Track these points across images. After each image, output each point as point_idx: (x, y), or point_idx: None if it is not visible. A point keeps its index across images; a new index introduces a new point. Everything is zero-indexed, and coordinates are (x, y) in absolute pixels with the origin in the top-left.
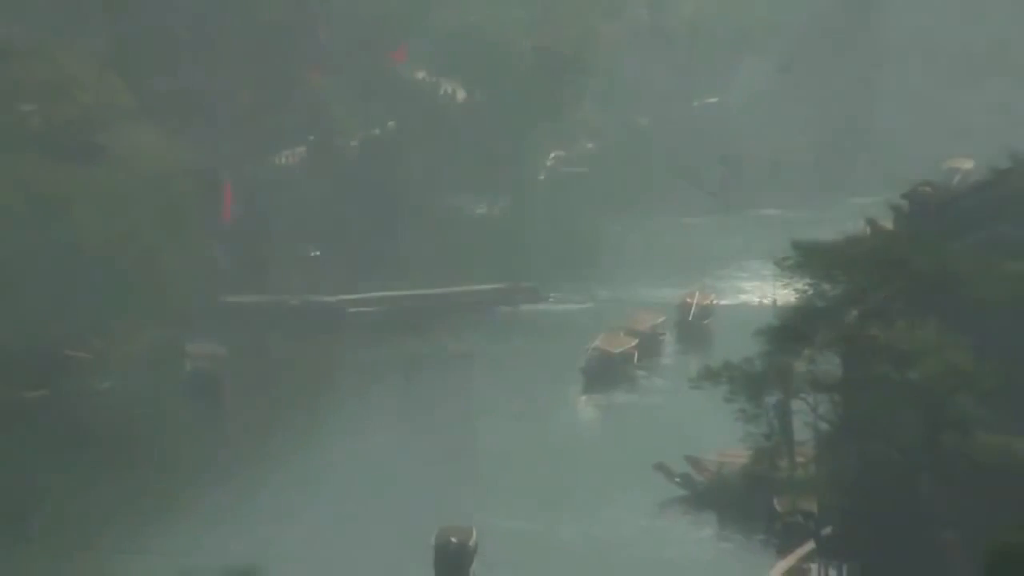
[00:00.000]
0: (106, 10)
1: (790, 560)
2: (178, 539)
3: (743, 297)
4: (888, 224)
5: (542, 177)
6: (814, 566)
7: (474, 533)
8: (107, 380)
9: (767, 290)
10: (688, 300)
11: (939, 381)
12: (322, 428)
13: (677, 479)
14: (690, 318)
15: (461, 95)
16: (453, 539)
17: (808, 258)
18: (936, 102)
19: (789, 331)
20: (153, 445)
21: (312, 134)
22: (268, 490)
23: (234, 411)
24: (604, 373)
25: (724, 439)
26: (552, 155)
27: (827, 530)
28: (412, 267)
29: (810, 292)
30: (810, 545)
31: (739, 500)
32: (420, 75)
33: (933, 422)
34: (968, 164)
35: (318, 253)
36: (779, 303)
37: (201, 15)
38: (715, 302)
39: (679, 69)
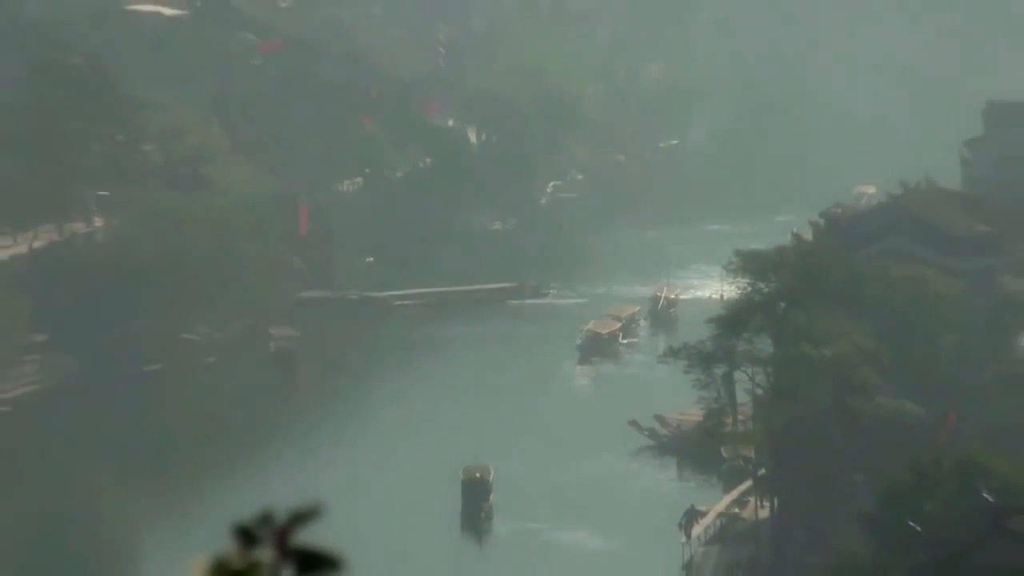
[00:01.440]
0: (208, 74)
1: (733, 494)
2: (273, 462)
3: (698, 293)
4: (808, 237)
5: (543, 201)
6: (752, 499)
7: (492, 471)
8: (212, 356)
9: (716, 287)
10: (658, 294)
11: (846, 358)
12: (374, 389)
13: (646, 432)
14: (659, 308)
15: (480, 138)
16: (477, 475)
17: (747, 263)
18: (849, 141)
19: (732, 319)
20: (247, 403)
21: (367, 168)
22: (334, 435)
23: (307, 379)
24: (594, 349)
25: (683, 401)
26: (550, 184)
27: (762, 471)
28: (442, 269)
29: (749, 289)
30: (749, 483)
31: (694, 449)
32: (449, 123)
33: (842, 389)
34: (872, 189)
35: (371, 259)
36: (725, 297)
37: (282, 76)
38: (678, 296)
39: (648, 116)
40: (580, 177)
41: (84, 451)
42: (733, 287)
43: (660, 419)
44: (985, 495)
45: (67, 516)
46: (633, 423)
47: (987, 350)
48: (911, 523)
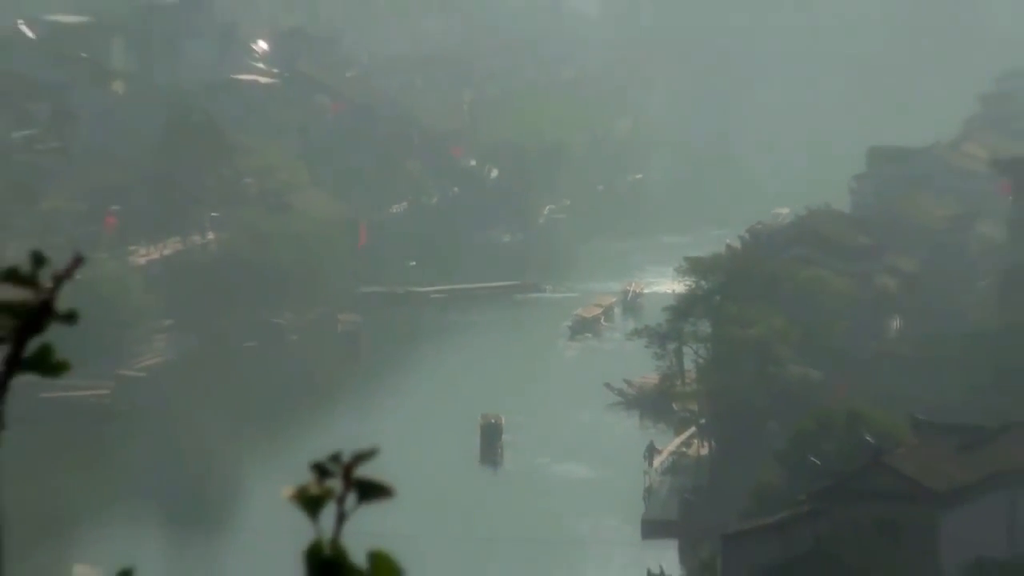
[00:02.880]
0: (293, 127)
1: (682, 437)
2: (341, 414)
3: (656, 288)
4: (738, 247)
5: (541, 220)
6: (695, 441)
7: (503, 419)
8: (295, 335)
9: (669, 284)
10: (627, 289)
11: (765, 337)
12: (415, 360)
13: (617, 391)
14: (628, 299)
15: (494, 174)
16: (492, 421)
17: (692, 266)
18: (770, 175)
19: (681, 308)
20: (321, 371)
21: (409, 195)
22: (386, 394)
23: (366, 352)
24: (581, 329)
25: (645, 368)
26: (546, 208)
27: (703, 421)
28: (465, 271)
29: (693, 286)
30: (693, 429)
31: (653, 403)
32: (472, 163)
33: (763, 360)
34: (785, 211)
35: (413, 263)
36: (676, 292)
37: (347, 128)
38: (642, 290)
39: (619, 158)
40: (568, 203)
41: (201, 406)
42: (682, 284)
43: (627, 381)
44: (867, 438)
45: (192, 454)
46: (608, 384)
47: (868, 331)
48: (812, 459)
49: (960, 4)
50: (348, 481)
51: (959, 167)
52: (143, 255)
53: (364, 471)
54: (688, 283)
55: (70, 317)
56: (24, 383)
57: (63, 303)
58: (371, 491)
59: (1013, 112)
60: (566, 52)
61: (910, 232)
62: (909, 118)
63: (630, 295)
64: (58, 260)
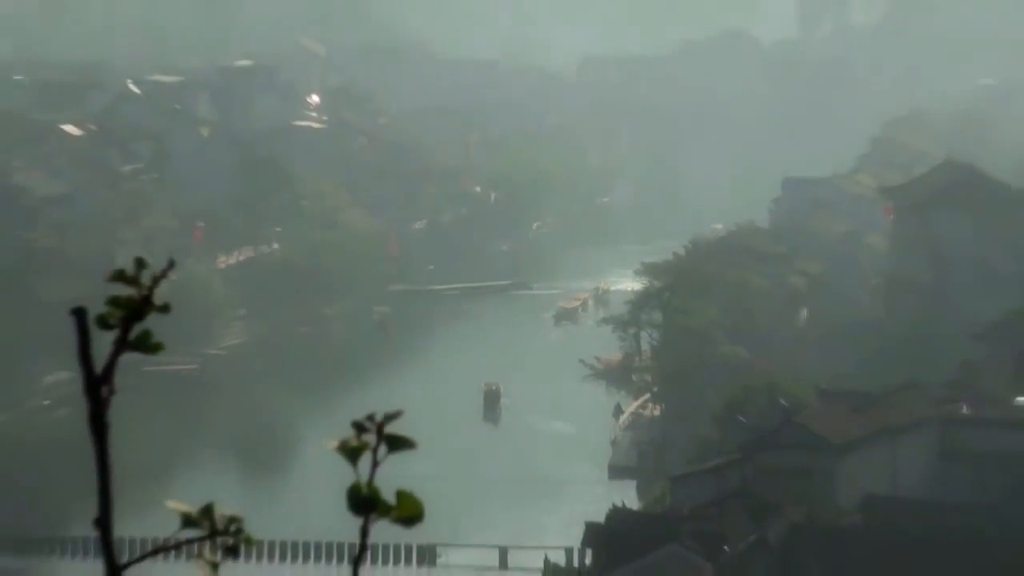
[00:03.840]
0: (339, 160)
1: (639, 401)
2: (374, 383)
3: (620, 286)
4: (682, 254)
5: (530, 234)
6: (650, 404)
7: (501, 386)
8: (340, 323)
9: (630, 283)
10: (598, 286)
11: (704, 324)
12: (431, 341)
13: (589, 366)
14: (599, 294)
15: (494, 198)
16: (492, 387)
17: (648, 270)
18: (709, 197)
19: (639, 302)
20: (360, 350)
21: (428, 215)
22: (410, 367)
23: (394, 336)
24: (563, 317)
25: (611, 347)
26: (535, 224)
27: (655, 388)
28: (471, 273)
29: (648, 285)
30: (648, 395)
31: (617, 375)
32: (476, 189)
33: (702, 342)
34: (720, 226)
35: (432, 267)
36: (635, 289)
37: (381, 162)
38: (609, 288)
39: (591, 184)
40: (551, 220)
41: (268, 377)
42: (639, 283)
43: (598, 358)
44: (781, 402)
45: (261, 413)
46: (582, 360)
47: (783, 320)
48: (740, 418)
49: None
50: (380, 435)
51: (853, 193)
52: (223, 261)
53: (392, 428)
54: (644, 282)
55: (164, 308)
56: (129, 359)
57: (160, 298)
58: (398, 443)
59: (895, 150)
60: (550, 106)
61: (814, 243)
62: (814, 156)
63: (600, 291)
64: (156, 264)
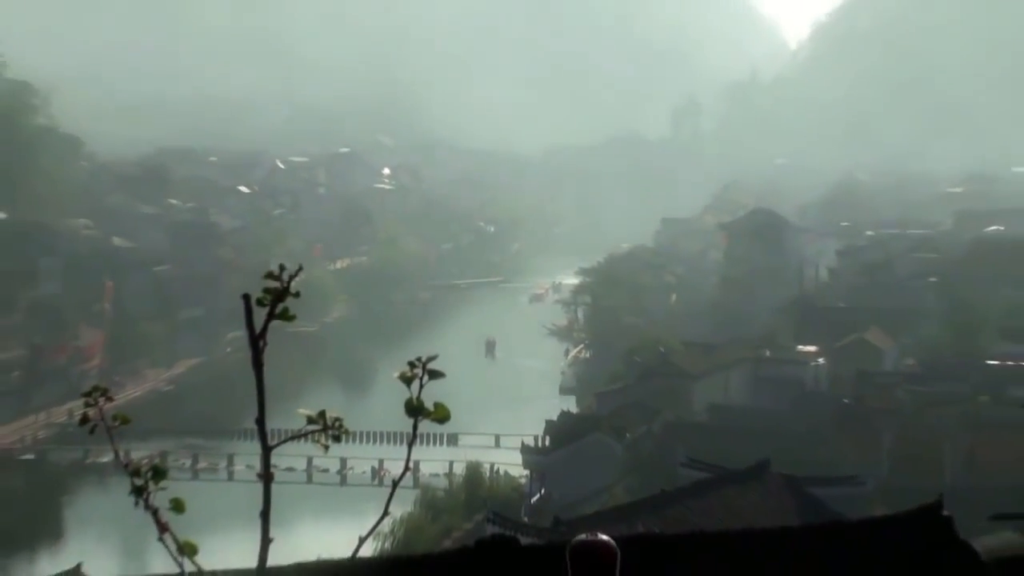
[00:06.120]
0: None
1: (577, 349)
2: (416, 340)
3: (567, 281)
4: (603, 261)
5: (512, 250)
6: (584, 350)
7: (496, 338)
8: (400, 306)
9: (573, 279)
10: (555, 281)
11: (616, 304)
12: (453, 314)
13: (548, 328)
14: (555, 286)
15: (492, 229)
16: (490, 339)
17: (583, 271)
18: (620, 225)
19: (578, 290)
20: (410, 323)
21: (452, 239)
22: (440, 331)
23: (433, 312)
24: (534, 300)
25: (562, 317)
26: (515, 245)
27: (587, 341)
28: (476, 274)
29: (583, 280)
30: (582, 345)
31: (565, 333)
32: (481, 224)
33: (615, 315)
34: (626, 245)
35: (454, 271)
36: (576, 283)
37: (424, 210)
38: (562, 282)
39: (547, 222)
40: (524, 242)
41: (360, 336)
42: (578, 279)
43: (554, 323)
44: (661, 349)
45: (356, 359)
46: (544, 325)
47: (661, 302)
48: (637, 359)
49: (704, 154)
50: (424, 369)
51: (703, 227)
52: (332, 266)
53: (431, 365)
54: (580, 279)
55: (296, 295)
56: (275, 325)
57: (294, 288)
58: (434, 374)
59: (727, 202)
60: (524, 175)
61: (680, 257)
62: (681, 204)
63: (555, 284)
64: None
